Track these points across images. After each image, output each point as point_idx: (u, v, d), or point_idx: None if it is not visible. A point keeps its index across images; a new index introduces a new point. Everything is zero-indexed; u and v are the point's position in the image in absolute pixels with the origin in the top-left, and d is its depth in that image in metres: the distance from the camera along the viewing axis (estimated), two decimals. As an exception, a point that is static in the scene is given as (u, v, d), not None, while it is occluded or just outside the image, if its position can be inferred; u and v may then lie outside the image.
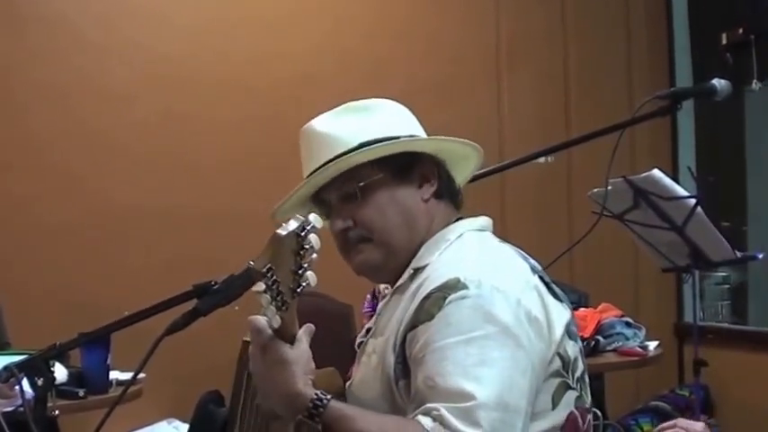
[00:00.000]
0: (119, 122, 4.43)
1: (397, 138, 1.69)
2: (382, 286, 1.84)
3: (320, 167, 1.67)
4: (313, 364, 1.51)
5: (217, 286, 1.61)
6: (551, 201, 5.02)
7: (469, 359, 1.48)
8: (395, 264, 1.69)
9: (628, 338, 3.82)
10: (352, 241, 1.69)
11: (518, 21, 5.07)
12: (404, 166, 1.69)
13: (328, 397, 1.47)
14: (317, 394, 1.46)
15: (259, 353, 1.49)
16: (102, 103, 4.42)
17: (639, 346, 3.82)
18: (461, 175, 1.82)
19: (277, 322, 1.42)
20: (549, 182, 4.94)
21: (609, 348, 3.79)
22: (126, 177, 4.43)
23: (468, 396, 1.44)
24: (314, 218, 1.43)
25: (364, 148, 1.66)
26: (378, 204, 1.67)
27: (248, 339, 1.52)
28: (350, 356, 1.61)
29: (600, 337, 3.77)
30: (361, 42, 4.78)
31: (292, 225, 1.40)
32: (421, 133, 1.75)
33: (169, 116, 4.49)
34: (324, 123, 1.71)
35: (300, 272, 1.42)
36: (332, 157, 1.66)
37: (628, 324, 3.89)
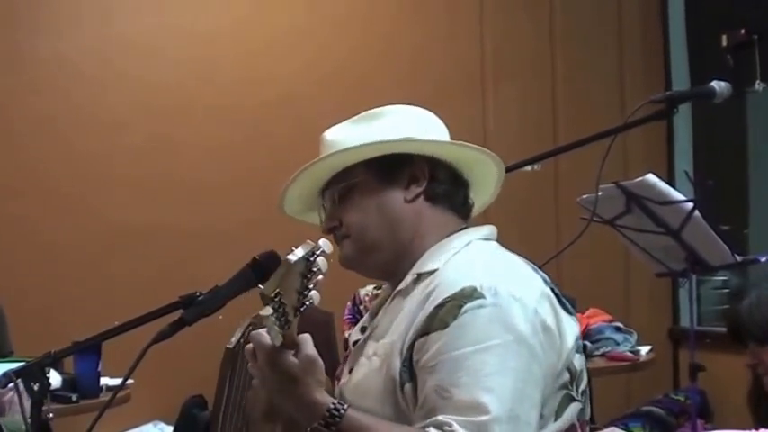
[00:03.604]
0: (110, 148, 4.58)
1: (391, 141, 1.67)
2: (363, 293, 1.86)
3: (304, 169, 1.69)
4: (323, 369, 1.49)
5: (201, 297, 1.64)
6: (538, 209, 4.96)
7: (485, 369, 1.47)
8: (378, 259, 1.69)
9: (618, 343, 3.80)
10: (338, 238, 1.71)
11: (504, 29, 5.02)
12: (392, 167, 1.68)
13: (345, 406, 1.47)
14: (333, 403, 1.46)
15: (268, 367, 1.47)
16: (95, 130, 4.58)
17: (630, 351, 3.80)
18: (485, 189, 1.81)
19: (279, 341, 1.43)
20: (536, 190, 4.83)
21: (597, 353, 3.77)
22: (117, 198, 4.57)
23: (482, 409, 1.44)
24: (323, 243, 1.44)
25: (339, 151, 1.67)
26: (356, 205, 1.69)
27: (230, 347, 1.54)
28: (330, 362, 1.62)
29: (587, 342, 3.73)
30: (345, 61, 4.83)
31: (301, 251, 1.42)
32: (435, 136, 1.72)
33: (157, 141, 4.63)
34: (333, 131, 1.74)
35: (306, 292, 1.43)
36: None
37: (617, 329, 3.87)
